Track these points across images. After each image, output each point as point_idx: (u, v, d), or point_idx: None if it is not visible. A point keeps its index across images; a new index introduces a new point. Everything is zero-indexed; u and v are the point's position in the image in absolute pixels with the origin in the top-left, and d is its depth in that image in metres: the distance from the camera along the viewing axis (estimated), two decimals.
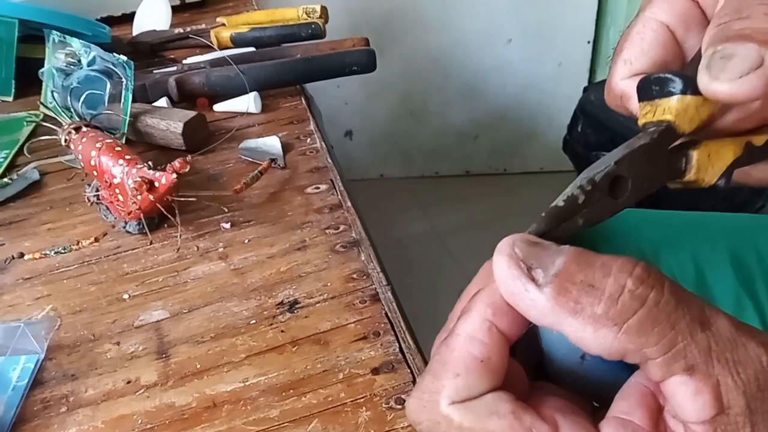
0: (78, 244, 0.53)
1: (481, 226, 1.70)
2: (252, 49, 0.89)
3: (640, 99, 0.25)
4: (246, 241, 0.57)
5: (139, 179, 0.53)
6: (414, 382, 0.42)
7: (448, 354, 0.21)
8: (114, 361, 0.47)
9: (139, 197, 0.53)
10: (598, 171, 0.23)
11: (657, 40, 0.27)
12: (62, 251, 0.54)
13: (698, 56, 0.24)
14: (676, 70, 0.24)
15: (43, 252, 0.53)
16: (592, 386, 0.24)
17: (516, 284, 0.20)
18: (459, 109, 1.86)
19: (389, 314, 0.48)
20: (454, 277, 1.52)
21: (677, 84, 0.23)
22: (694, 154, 0.25)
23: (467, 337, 0.21)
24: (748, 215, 0.75)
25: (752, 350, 0.19)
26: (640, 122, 0.25)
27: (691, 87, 0.23)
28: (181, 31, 0.97)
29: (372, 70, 0.78)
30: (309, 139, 0.71)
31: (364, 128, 1.88)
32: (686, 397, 0.19)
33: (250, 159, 0.68)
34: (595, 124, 1.32)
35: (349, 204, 0.60)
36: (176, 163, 0.53)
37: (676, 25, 0.27)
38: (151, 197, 0.53)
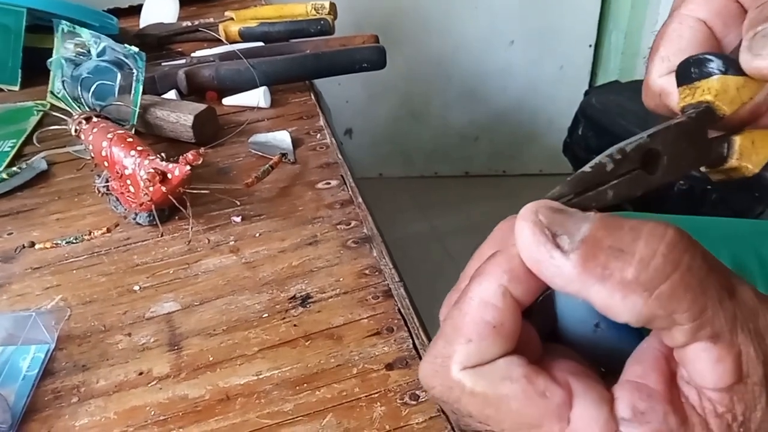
0: (90, 234, 0.53)
1: (480, 228, 1.66)
2: (260, 44, 0.89)
3: (679, 84, 0.24)
4: (257, 234, 0.57)
5: (152, 170, 0.53)
6: None
7: (460, 318, 0.21)
8: (125, 352, 0.46)
9: (151, 188, 0.53)
10: (630, 142, 0.22)
11: (695, 36, 0.26)
12: (74, 241, 0.54)
13: (740, 46, 0.23)
14: (715, 52, 0.24)
15: (55, 242, 0.53)
16: (604, 355, 0.23)
17: (540, 251, 0.19)
18: (460, 110, 1.86)
19: (402, 310, 0.48)
20: (453, 279, 1.50)
21: (716, 63, 0.23)
22: (737, 139, 0.24)
23: (481, 302, 0.21)
24: (749, 221, 0.75)
25: None
26: (679, 106, 0.24)
27: (732, 67, 0.22)
28: (189, 24, 0.96)
29: (382, 67, 0.78)
30: (319, 135, 0.71)
31: (365, 127, 1.88)
32: (707, 365, 0.19)
33: (260, 153, 0.68)
34: (596, 127, 1.32)
35: (360, 200, 0.60)
36: (189, 155, 0.53)
37: (714, 21, 0.26)
38: (163, 189, 0.53)
